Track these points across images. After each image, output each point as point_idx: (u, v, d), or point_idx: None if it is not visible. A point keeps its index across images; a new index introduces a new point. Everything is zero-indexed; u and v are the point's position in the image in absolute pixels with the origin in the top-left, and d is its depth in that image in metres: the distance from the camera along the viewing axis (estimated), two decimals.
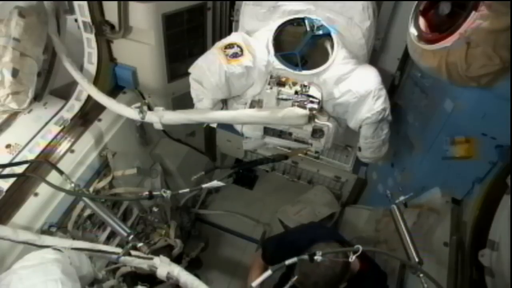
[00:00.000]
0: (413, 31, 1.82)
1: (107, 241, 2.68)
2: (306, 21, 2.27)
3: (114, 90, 2.95)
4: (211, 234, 3.55)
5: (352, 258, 1.51)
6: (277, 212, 3.40)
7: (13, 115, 2.60)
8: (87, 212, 2.50)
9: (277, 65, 2.22)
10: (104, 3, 2.48)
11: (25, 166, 2.31)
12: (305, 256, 1.54)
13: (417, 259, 1.80)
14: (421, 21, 1.79)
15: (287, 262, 1.56)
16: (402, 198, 2.02)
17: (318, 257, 1.52)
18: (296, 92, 2.19)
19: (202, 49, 2.60)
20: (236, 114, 2.18)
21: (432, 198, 2.28)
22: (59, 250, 1.56)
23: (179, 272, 1.80)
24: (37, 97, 2.55)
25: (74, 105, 2.74)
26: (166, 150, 3.31)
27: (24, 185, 2.28)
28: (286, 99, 2.18)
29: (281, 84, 2.22)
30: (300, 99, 2.15)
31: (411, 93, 2.53)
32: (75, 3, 2.44)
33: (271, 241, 2.33)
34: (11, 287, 1.32)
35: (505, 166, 1.97)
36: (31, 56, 2.27)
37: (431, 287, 1.59)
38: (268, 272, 1.58)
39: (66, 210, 2.41)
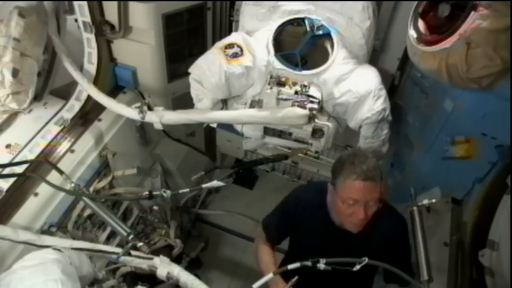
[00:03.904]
0: (412, 33, 1.82)
1: (107, 241, 2.67)
2: (306, 21, 2.26)
3: (114, 90, 2.94)
4: (211, 234, 3.55)
5: (357, 267, 1.47)
6: None
7: (13, 115, 2.60)
8: (87, 212, 2.49)
9: (277, 65, 2.22)
10: (104, 3, 2.48)
11: (25, 166, 2.31)
12: (308, 263, 1.52)
13: (426, 277, 1.66)
14: (420, 23, 1.79)
15: (290, 267, 1.54)
16: (426, 201, 1.86)
17: (321, 265, 1.50)
18: (296, 92, 2.18)
19: (202, 49, 2.60)
20: (236, 114, 2.18)
21: (432, 198, 2.28)
22: (59, 250, 1.55)
23: (179, 272, 1.80)
24: (37, 97, 2.55)
25: (74, 105, 2.73)
26: (166, 150, 3.31)
27: (24, 185, 2.27)
28: (286, 99, 2.18)
29: (281, 84, 2.22)
30: (300, 99, 2.15)
31: (411, 93, 2.53)
32: (75, 3, 2.44)
33: (271, 217, 2.12)
34: (11, 287, 1.32)
35: (505, 166, 1.97)
36: (31, 56, 2.26)
37: None
38: (270, 275, 1.58)
39: (66, 210, 2.40)
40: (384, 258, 1.62)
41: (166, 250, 2.80)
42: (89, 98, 2.64)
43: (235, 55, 2.16)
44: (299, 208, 1.96)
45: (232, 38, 2.27)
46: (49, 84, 2.67)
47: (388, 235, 1.85)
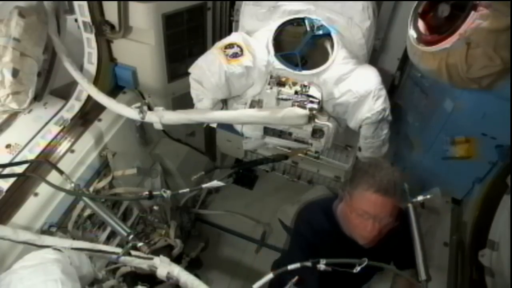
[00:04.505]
0: (412, 33, 1.82)
1: (107, 241, 2.67)
2: (306, 21, 2.26)
3: (114, 90, 2.94)
4: (211, 234, 3.55)
5: (358, 269, 1.45)
6: (277, 212, 3.39)
7: (13, 115, 2.60)
8: (87, 212, 2.49)
9: (277, 65, 2.22)
10: (104, 3, 2.48)
11: (25, 166, 2.31)
12: (308, 263, 1.50)
13: (425, 277, 1.58)
14: (420, 23, 1.79)
15: (290, 267, 1.53)
16: (420, 197, 1.75)
17: (321, 266, 1.48)
18: (296, 92, 2.18)
19: (202, 49, 2.60)
20: (236, 114, 2.18)
21: (432, 198, 2.28)
22: (59, 250, 1.55)
23: (179, 272, 1.80)
24: (37, 97, 2.54)
25: (74, 105, 2.74)
26: (166, 150, 3.31)
27: (24, 185, 2.27)
28: (286, 99, 2.18)
29: (281, 84, 2.22)
30: (300, 99, 2.15)
31: (411, 93, 2.54)
32: (75, 3, 2.44)
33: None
34: (11, 287, 1.32)
35: (505, 166, 1.98)
36: (31, 56, 2.26)
37: None
38: (270, 275, 1.58)
39: (66, 210, 2.40)
40: (396, 254, 1.61)
41: (166, 250, 2.80)
42: (89, 98, 2.64)
43: (235, 55, 2.16)
44: (318, 230, 1.88)
45: (232, 38, 2.27)
46: (49, 84, 2.67)
47: (399, 235, 1.81)
